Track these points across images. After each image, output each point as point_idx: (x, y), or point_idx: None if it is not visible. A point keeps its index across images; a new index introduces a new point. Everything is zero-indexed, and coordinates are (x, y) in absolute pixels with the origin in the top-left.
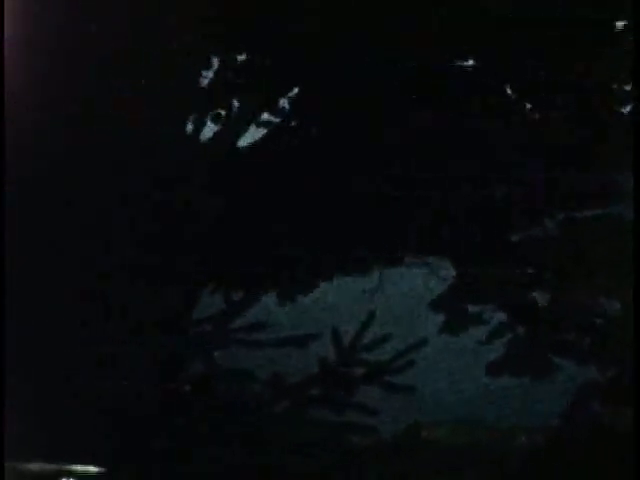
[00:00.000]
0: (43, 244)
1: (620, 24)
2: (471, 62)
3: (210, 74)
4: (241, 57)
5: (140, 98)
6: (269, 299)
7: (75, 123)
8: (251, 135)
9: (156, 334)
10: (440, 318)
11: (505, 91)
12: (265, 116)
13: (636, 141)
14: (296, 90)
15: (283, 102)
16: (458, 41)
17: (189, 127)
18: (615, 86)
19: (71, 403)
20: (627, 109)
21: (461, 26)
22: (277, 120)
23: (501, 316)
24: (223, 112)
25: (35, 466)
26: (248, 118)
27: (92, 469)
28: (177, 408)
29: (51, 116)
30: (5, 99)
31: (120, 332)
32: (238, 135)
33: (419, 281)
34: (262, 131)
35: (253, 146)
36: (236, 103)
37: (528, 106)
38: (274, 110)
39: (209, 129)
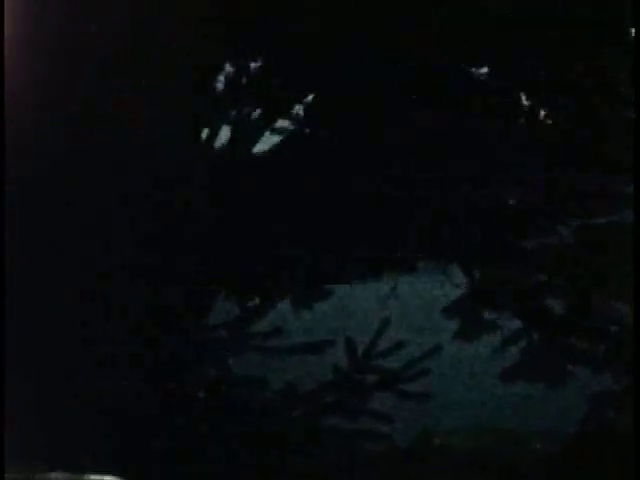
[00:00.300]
0: (43, 244)
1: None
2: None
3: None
4: (254, 63)
5: (146, 100)
6: (284, 305)
7: (77, 123)
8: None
9: (170, 337)
10: (454, 325)
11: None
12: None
13: (636, 141)
14: (308, 95)
15: (298, 108)
16: (458, 41)
17: (203, 132)
18: (615, 86)
19: (72, 404)
20: (627, 109)
21: (461, 26)
22: (291, 126)
23: (516, 323)
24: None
25: (52, 476)
26: (260, 124)
27: (108, 479)
28: (186, 413)
29: (51, 116)
30: (5, 99)
31: (131, 333)
32: (251, 140)
33: (433, 287)
34: (273, 136)
35: (266, 151)
36: (248, 109)
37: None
38: (288, 116)
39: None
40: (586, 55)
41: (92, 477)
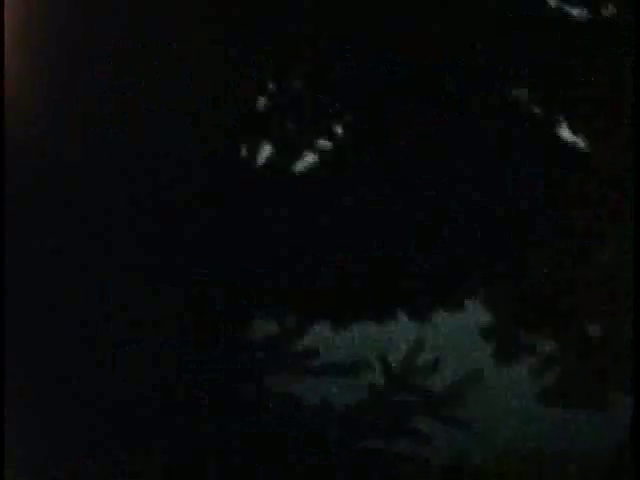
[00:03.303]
0: (50, 244)
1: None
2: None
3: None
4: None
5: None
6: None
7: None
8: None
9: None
10: (491, 347)
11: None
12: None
13: (636, 141)
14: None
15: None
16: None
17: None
18: (615, 86)
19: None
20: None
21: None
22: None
23: (553, 346)
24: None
25: None
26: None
27: None
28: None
29: (58, 116)
30: (5, 99)
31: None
32: (292, 159)
33: (469, 310)
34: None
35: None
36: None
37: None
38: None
39: None
40: (586, 55)
41: None
